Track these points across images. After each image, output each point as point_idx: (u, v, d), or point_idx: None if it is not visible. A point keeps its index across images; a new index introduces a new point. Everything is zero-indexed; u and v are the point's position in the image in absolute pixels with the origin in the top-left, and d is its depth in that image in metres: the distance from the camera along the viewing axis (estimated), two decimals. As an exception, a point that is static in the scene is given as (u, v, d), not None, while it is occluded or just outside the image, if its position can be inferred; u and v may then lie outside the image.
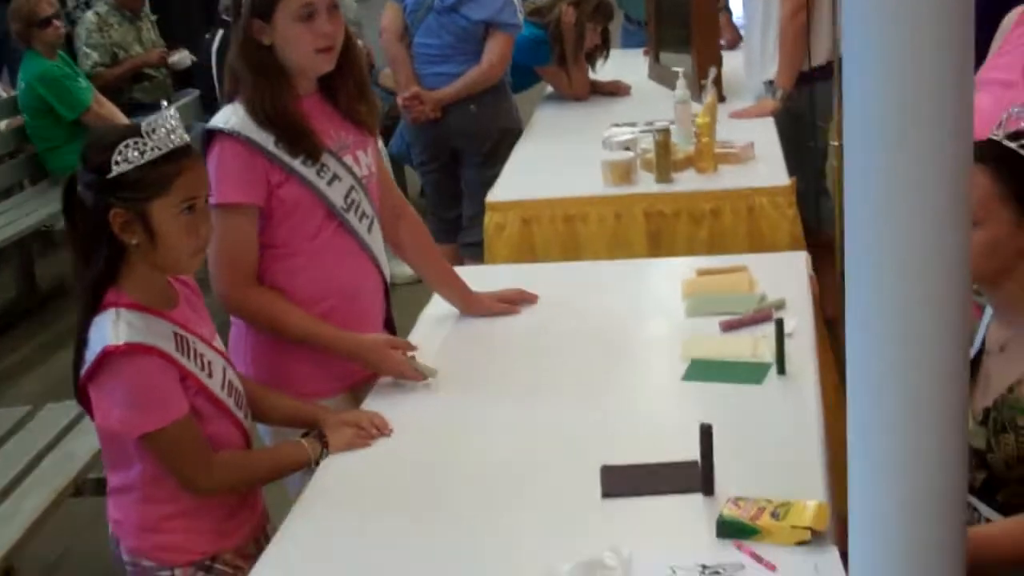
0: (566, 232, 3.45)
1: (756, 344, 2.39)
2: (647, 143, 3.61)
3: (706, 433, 1.91)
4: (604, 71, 4.73)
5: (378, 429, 2.21)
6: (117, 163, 1.93)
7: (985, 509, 1.95)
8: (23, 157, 6.03)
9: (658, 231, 3.41)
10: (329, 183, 2.39)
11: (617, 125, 4.03)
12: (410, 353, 2.42)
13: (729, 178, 3.46)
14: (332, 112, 2.44)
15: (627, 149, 3.65)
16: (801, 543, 1.76)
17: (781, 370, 2.28)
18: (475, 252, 3.91)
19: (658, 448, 2.06)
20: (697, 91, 4.03)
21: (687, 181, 3.47)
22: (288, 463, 2.16)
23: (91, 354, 1.96)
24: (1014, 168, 1.88)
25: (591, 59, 4.51)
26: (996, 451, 1.94)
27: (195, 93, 6.17)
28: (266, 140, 2.31)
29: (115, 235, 1.96)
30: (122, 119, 5.73)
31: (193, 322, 2.09)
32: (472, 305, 2.70)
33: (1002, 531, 1.89)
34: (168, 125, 1.98)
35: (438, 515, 1.96)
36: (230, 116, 2.34)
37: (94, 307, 1.98)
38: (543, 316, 2.69)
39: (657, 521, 1.88)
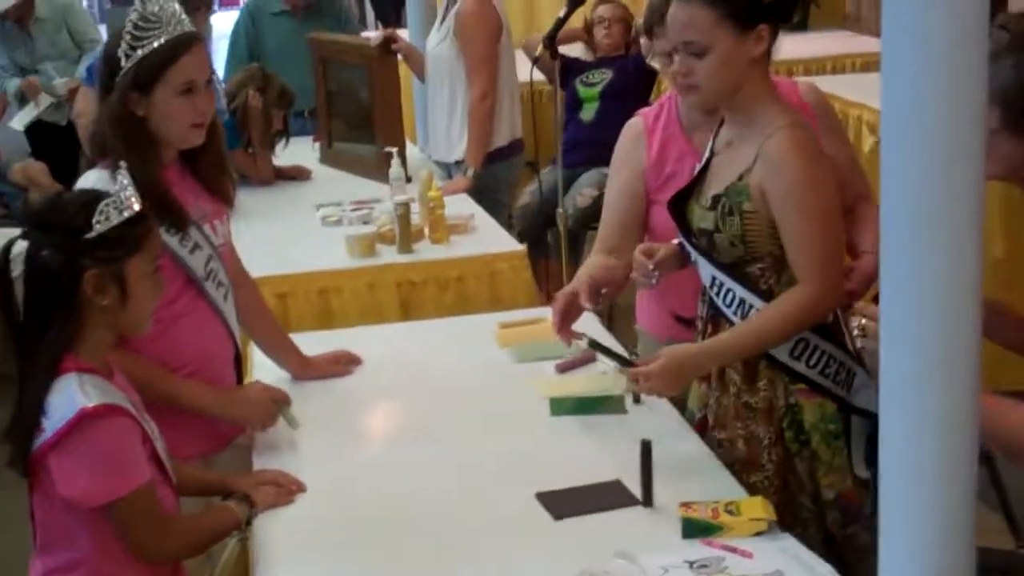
0: (320, 304, 3.55)
1: (601, 380, 2.65)
2: (383, 218, 3.79)
3: (646, 449, 2.15)
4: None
5: (297, 485, 2.24)
6: (98, 222, 1.93)
7: (734, 285, 2.34)
8: None
9: (408, 299, 3.59)
10: (191, 251, 2.40)
11: (324, 205, 4.17)
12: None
13: (466, 246, 3.71)
14: (192, 182, 2.46)
15: (365, 223, 3.81)
16: (759, 533, 2.04)
17: (636, 399, 2.56)
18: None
19: (566, 474, 2.26)
20: (384, 172, 4.26)
21: (427, 251, 3.68)
22: (225, 527, 2.14)
23: (57, 420, 1.91)
24: None
25: (272, 144, 4.60)
26: (723, 231, 2.33)
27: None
28: None
29: (81, 298, 1.93)
30: None
31: (128, 388, 2.05)
32: (307, 368, 2.76)
33: (755, 325, 2.29)
34: (131, 186, 2.01)
35: (398, 566, 2.03)
36: (96, 182, 2.29)
37: (50, 373, 1.91)
38: (379, 374, 2.79)
39: (617, 534, 2.07)
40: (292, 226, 4.02)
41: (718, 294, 2.37)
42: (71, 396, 1.92)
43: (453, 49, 4.47)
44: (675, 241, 2.49)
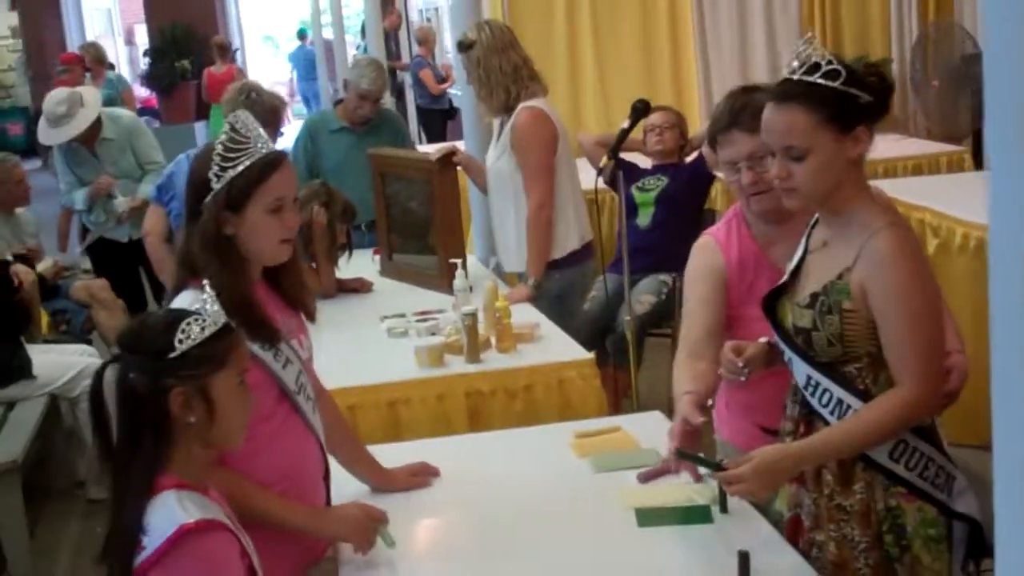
0: (389, 416, 3.54)
1: (685, 489, 2.62)
2: (449, 328, 3.80)
3: (744, 560, 2.11)
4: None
5: None
6: (181, 341, 1.95)
7: (830, 385, 2.31)
8: None
9: (476, 409, 3.58)
10: (283, 367, 2.41)
11: (388, 317, 4.19)
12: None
13: (534, 355, 3.70)
14: (276, 298, 2.48)
15: (433, 335, 3.82)
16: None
17: (724, 508, 2.52)
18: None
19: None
20: (447, 282, 4.30)
21: (495, 361, 3.68)
22: None
23: (157, 537, 1.90)
24: (822, 97, 2.25)
25: (336, 258, 4.65)
26: (821, 329, 2.31)
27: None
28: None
29: (169, 417, 1.94)
30: None
31: (223, 502, 2.05)
32: (387, 480, 2.74)
33: (853, 426, 2.28)
34: (215, 302, 2.04)
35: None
36: (191, 302, 2.31)
37: (146, 492, 1.92)
38: (457, 486, 2.77)
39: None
40: (358, 338, 4.04)
41: (813, 394, 2.35)
42: (170, 512, 1.92)
43: (511, 163, 4.50)
44: (763, 339, 2.48)
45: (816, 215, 2.45)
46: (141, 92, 16.65)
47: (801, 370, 2.38)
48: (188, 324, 1.98)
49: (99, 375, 2.02)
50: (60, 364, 5.16)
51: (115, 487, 1.99)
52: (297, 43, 20.06)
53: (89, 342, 5.90)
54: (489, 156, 4.68)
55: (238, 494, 2.25)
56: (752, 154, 2.65)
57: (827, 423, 2.33)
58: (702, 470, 2.48)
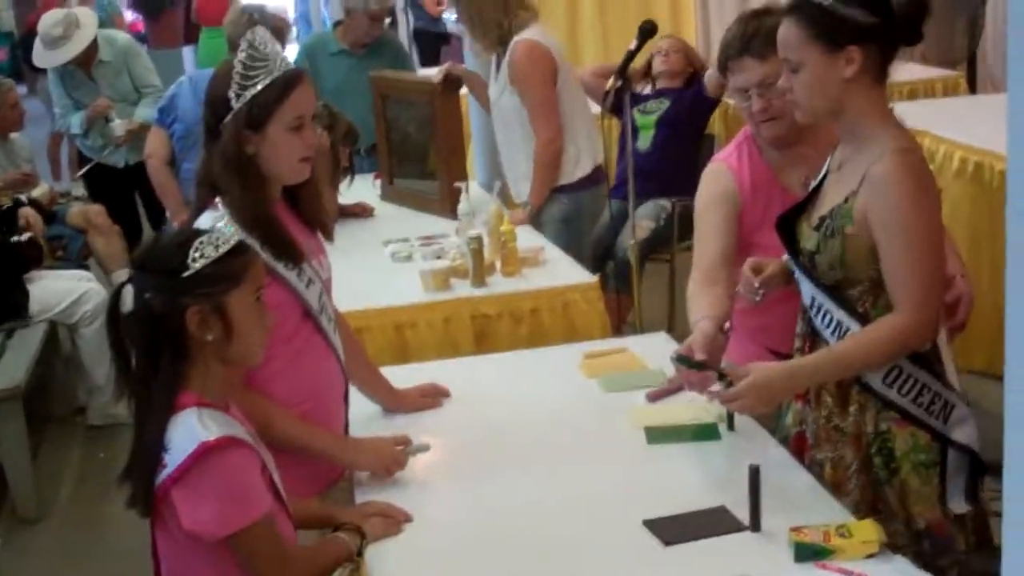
0: (396, 339, 3.57)
1: (692, 408, 2.67)
2: (453, 252, 3.82)
3: (754, 474, 2.16)
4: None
5: (404, 515, 2.26)
6: (195, 260, 1.98)
7: (831, 306, 2.35)
8: None
9: (482, 332, 3.62)
10: (307, 286, 2.43)
11: (391, 241, 4.21)
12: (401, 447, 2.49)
13: (539, 279, 3.74)
14: (296, 219, 2.49)
15: (438, 259, 3.84)
16: (871, 555, 2.04)
17: (731, 426, 2.57)
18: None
19: (670, 502, 2.28)
20: (449, 207, 4.31)
21: (500, 284, 3.71)
22: (339, 558, 2.17)
23: (178, 454, 1.94)
24: (811, 12, 2.27)
25: (338, 182, 4.65)
26: (823, 252, 2.35)
27: None
28: (253, 244, 2.32)
29: (187, 335, 1.97)
30: None
31: (244, 420, 2.08)
32: (399, 401, 2.79)
33: (847, 348, 2.31)
34: (226, 222, 2.09)
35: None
36: (226, 223, 2.32)
37: (167, 410, 1.95)
38: (469, 407, 2.82)
39: (729, 559, 2.08)
40: (362, 263, 4.05)
41: (817, 314, 2.39)
42: (191, 430, 1.95)
43: (514, 99, 4.47)
44: (784, 257, 2.50)
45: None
46: (127, 16, 16.43)
47: (807, 290, 2.41)
48: (202, 243, 2.00)
49: (116, 296, 2.04)
50: (58, 290, 5.17)
51: (136, 407, 2.02)
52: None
53: (86, 267, 5.91)
54: (491, 92, 4.66)
55: (263, 419, 2.28)
56: (763, 81, 2.65)
57: (828, 344, 2.37)
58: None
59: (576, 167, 4.45)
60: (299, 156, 2.38)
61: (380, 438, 2.53)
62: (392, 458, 2.45)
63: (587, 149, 4.49)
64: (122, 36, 6.63)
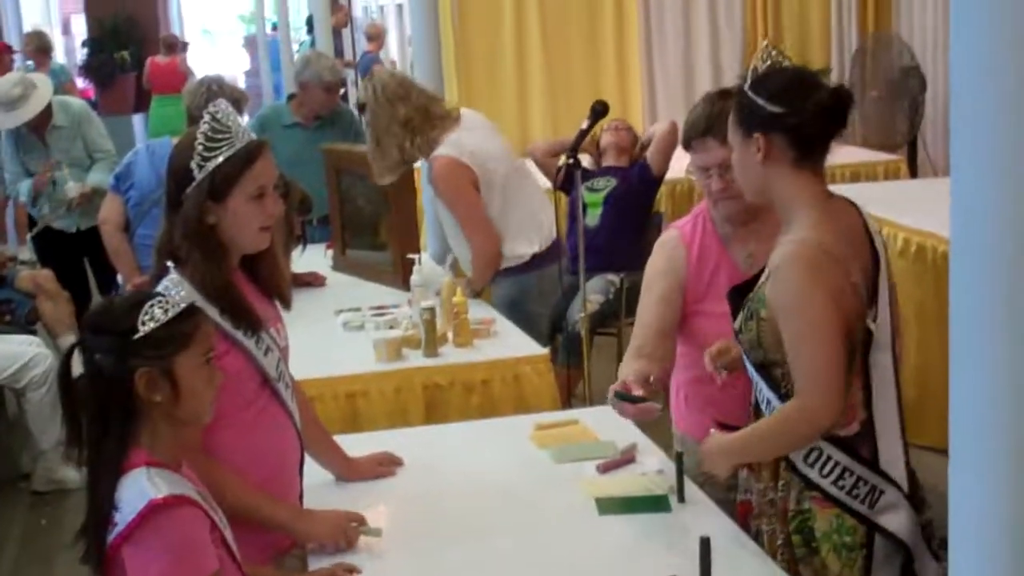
0: (347, 407, 3.59)
1: (643, 480, 2.70)
2: (405, 323, 3.86)
3: (705, 546, 2.19)
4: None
5: (354, 571, 2.30)
6: (144, 323, 2.01)
7: (760, 383, 2.44)
8: None
9: (433, 401, 3.64)
10: (264, 354, 2.46)
11: (343, 310, 4.24)
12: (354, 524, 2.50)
13: (490, 350, 3.78)
14: (254, 287, 2.52)
15: (391, 328, 3.87)
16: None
17: (681, 498, 2.61)
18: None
19: (621, 571, 2.31)
20: (400, 278, 4.35)
21: (452, 355, 3.74)
22: None
23: (128, 512, 1.96)
24: (737, 98, 2.43)
25: (290, 251, 4.67)
26: (744, 333, 2.43)
27: None
28: (212, 312, 2.34)
29: (136, 396, 2.01)
30: None
31: (196, 481, 2.10)
32: (354, 470, 2.80)
33: (764, 427, 2.42)
34: (177, 288, 2.13)
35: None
36: (177, 288, 2.34)
37: (117, 470, 1.99)
38: (421, 476, 2.83)
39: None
40: (314, 331, 4.06)
41: (755, 390, 2.46)
42: (140, 489, 1.97)
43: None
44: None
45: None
46: (79, 83, 16.43)
47: (748, 367, 2.48)
48: (152, 306, 2.03)
49: (67, 358, 2.07)
50: (7, 354, 5.13)
51: (89, 469, 2.04)
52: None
53: (34, 332, 5.87)
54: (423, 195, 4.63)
55: (218, 487, 2.29)
56: (723, 162, 2.70)
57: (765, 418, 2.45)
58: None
59: (516, 254, 4.37)
60: (259, 225, 2.43)
61: (335, 511, 2.54)
62: (343, 533, 2.46)
63: (533, 231, 4.41)
64: (76, 102, 6.65)
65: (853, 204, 2.45)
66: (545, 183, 4.80)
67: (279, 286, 2.57)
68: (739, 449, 2.46)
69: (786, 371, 2.36)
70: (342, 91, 6.11)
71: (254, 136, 2.45)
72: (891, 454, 2.36)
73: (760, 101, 2.34)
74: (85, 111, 6.40)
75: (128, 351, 2.00)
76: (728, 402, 2.66)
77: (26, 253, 7.46)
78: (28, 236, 6.72)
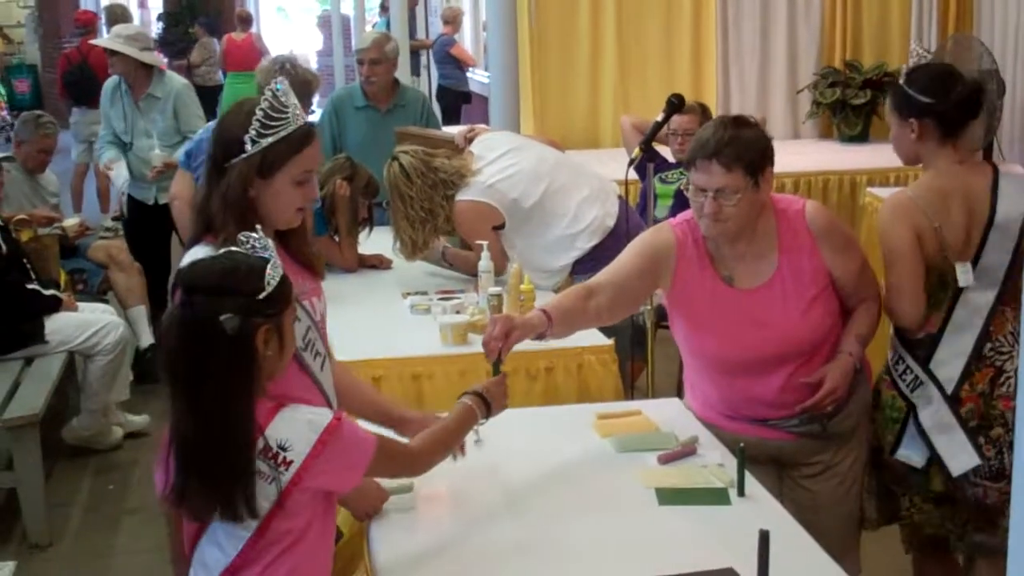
0: (412, 388, 3.64)
1: (703, 472, 2.72)
2: (472, 308, 3.90)
3: (764, 539, 2.20)
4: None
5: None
6: (269, 283, 2.11)
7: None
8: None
9: (497, 387, 3.66)
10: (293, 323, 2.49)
11: (410, 293, 4.29)
12: None
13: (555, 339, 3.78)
14: (287, 259, 2.55)
15: (458, 312, 3.91)
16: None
17: (741, 492, 2.63)
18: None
19: (679, 561, 2.33)
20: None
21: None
22: (467, 424, 2.57)
23: (303, 446, 2.10)
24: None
25: (357, 232, 4.74)
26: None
27: None
28: None
29: (255, 352, 2.10)
30: None
31: None
32: (406, 426, 2.79)
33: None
34: (271, 248, 2.19)
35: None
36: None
37: (252, 425, 2.09)
38: (482, 457, 2.86)
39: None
40: (382, 312, 4.13)
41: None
42: (306, 421, 2.13)
43: None
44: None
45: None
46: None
47: None
48: (272, 267, 2.12)
49: (170, 320, 2.12)
50: (81, 322, 5.24)
51: (212, 429, 2.06)
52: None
53: (106, 301, 6.00)
54: None
55: None
56: (722, 188, 2.80)
57: None
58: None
59: (573, 253, 4.36)
60: (297, 206, 2.49)
61: (377, 485, 2.60)
62: (372, 504, 2.57)
63: (584, 234, 4.36)
64: (178, 79, 6.70)
65: (993, 167, 3.08)
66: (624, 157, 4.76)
67: (309, 258, 2.61)
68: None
69: None
70: (415, 78, 6.16)
71: (307, 120, 2.49)
72: (945, 364, 2.96)
73: (913, 92, 3.00)
74: (185, 89, 6.48)
75: (255, 310, 2.09)
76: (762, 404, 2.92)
77: (108, 222, 7.62)
78: (117, 206, 6.84)
